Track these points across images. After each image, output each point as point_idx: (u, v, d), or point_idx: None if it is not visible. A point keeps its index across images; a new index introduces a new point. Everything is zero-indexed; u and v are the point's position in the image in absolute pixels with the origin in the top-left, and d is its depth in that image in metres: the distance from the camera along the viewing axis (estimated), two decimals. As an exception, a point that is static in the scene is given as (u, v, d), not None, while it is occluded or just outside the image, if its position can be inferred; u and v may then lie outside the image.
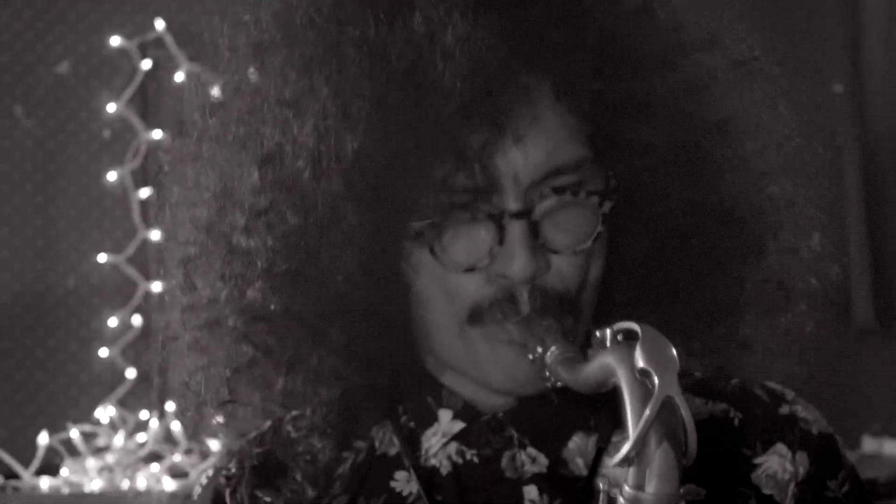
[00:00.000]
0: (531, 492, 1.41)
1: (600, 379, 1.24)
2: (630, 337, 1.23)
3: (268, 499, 1.47)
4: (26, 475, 3.63)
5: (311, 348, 1.40)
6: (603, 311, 1.39)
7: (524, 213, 1.32)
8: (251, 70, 1.39)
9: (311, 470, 1.48)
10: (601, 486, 1.25)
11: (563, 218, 1.34)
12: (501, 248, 1.31)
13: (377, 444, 1.49)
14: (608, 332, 1.24)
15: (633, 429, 1.16)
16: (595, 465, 1.41)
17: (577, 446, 1.43)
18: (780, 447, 1.42)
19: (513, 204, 1.31)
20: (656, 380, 1.15)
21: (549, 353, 1.30)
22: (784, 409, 1.45)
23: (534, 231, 1.31)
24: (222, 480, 1.51)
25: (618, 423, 1.38)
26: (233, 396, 1.43)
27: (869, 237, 4.14)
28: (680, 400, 1.16)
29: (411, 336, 1.45)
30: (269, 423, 1.52)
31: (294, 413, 1.49)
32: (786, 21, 4.13)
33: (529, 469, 1.42)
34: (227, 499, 1.50)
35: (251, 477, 1.49)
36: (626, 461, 1.17)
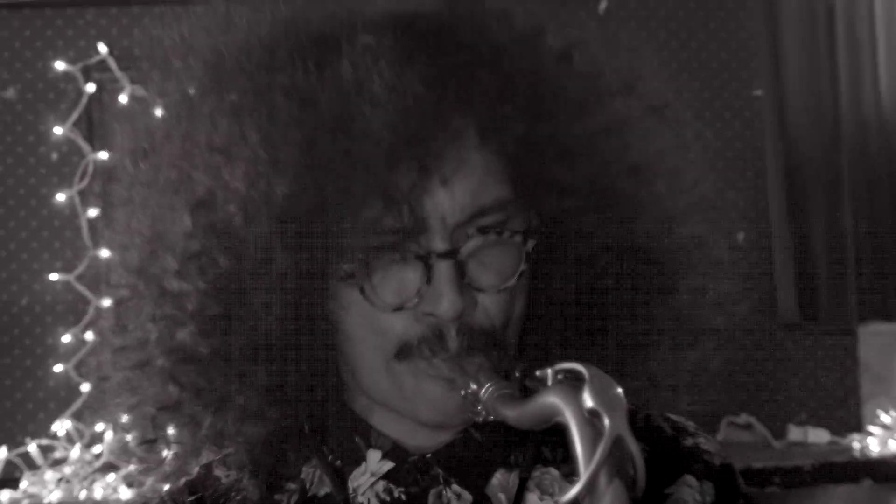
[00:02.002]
0: None
1: (543, 417, 1.25)
2: (571, 377, 1.24)
3: None
4: None
5: (238, 389, 1.40)
6: (520, 347, 1.41)
7: (451, 253, 1.33)
8: (181, 115, 1.41)
9: None
10: None
11: (488, 257, 1.36)
12: (429, 287, 1.32)
13: (308, 485, 1.50)
14: (549, 371, 1.25)
15: (583, 468, 1.17)
16: (517, 501, 1.45)
17: (500, 482, 1.45)
18: (689, 479, 1.47)
19: (440, 244, 1.33)
20: (606, 420, 1.17)
21: (483, 390, 1.31)
22: (688, 442, 1.50)
23: (460, 270, 1.33)
24: None
25: (538, 459, 1.46)
26: (157, 434, 1.44)
27: (792, 238, 4.15)
28: (630, 439, 1.17)
29: (340, 378, 1.46)
30: (197, 469, 1.53)
31: (224, 452, 1.49)
32: (707, 29, 4.26)
33: None
34: None
35: None
36: (578, 499, 1.18)
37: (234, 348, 1.36)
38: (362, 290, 1.33)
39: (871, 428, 4.02)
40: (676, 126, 1.46)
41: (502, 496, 1.43)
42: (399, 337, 1.34)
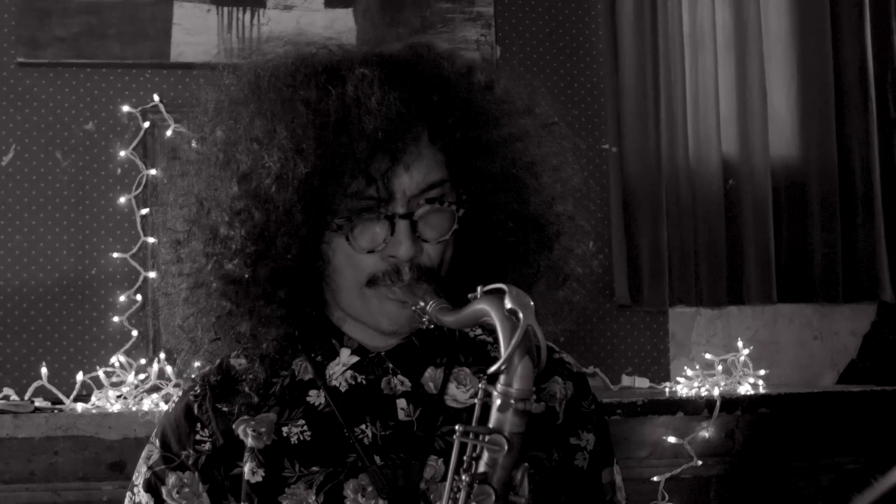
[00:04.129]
0: (401, 403, 1.61)
1: (475, 318, 1.40)
2: (494, 292, 1.37)
3: (225, 408, 1.63)
4: (67, 402, 3.87)
5: (265, 303, 1.54)
6: (449, 280, 1.57)
7: (408, 216, 1.48)
8: (229, 115, 1.55)
9: (254, 385, 1.62)
10: (479, 393, 1.39)
11: (432, 219, 1.52)
12: (392, 237, 1.48)
13: (297, 372, 1.64)
14: (479, 289, 1.39)
15: (504, 348, 1.32)
16: (443, 387, 1.62)
17: (430, 375, 1.62)
18: (557, 378, 1.68)
19: (401, 209, 1.48)
20: (521, 315, 1.30)
21: (429, 306, 1.47)
22: (556, 356, 1.71)
23: (413, 227, 1.49)
24: (191, 397, 1.66)
25: (456, 361, 1.64)
26: (217, 334, 1.60)
27: (625, 245, 4.48)
28: (537, 328, 1.31)
29: (324, 298, 1.62)
30: (219, 360, 1.67)
31: (236, 352, 1.63)
32: (570, 99, 4.58)
33: (400, 389, 1.61)
34: (196, 409, 1.65)
35: (212, 394, 1.65)
36: (499, 370, 1.35)
37: (263, 275, 1.52)
38: (347, 238, 1.49)
39: (678, 378, 4.36)
40: (559, 138, 1.65)
41: (431, 384, 1.62)
42: (370, 271, 1.52)
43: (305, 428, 1.58)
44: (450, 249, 1.54)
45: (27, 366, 4.16)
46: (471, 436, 1.37)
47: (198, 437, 1.61)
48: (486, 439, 1.35)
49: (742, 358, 4.37)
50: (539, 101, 1.62)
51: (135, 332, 4.18)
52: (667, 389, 4.35)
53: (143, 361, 4.05)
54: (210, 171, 1.54)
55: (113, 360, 4.03)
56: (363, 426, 1.57)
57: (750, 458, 4.11)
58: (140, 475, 1.69)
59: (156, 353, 4.11)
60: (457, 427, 1.38)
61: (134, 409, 3.77)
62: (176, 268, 1.59)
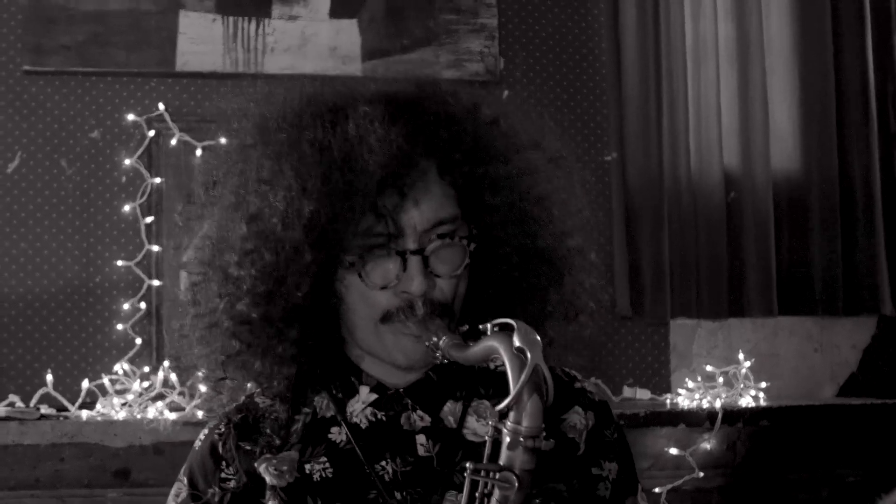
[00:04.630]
0: (421, 439, 1.59)
1: (484, 355, 1.41)
2: (504, 328, 1.37)
3: (248, 447, 1.63)
4: (72, 409, 3.90)
5: (277, 342, 1.55)
6: (463, 314, 1.57)
7: (419, 251, 1.49)
8: (238, 159, 1.57)
9: (276, 426, 1.62)
10: (489, 428, 1.39)
11: (444, 254, 1.52)
12: (405, 273, 1.49)
13: (318, 409, 1.64)
14: (488, 325, 1.40)
15: (513, 386, 1.32)
16: (461, 421, 1.60)
17: (449, 409, 1.61)
18: (578, 409, 1.65)
19: (412, 245, 1.49)
20: (529, 354, 1.31)
21: (442, 341, 1.47)
22: (577, 385, 1.69)
23: (425, 262, 1.49)
24: (215, 436, 1.67)
25: (476, 394, 1.62)
26: (226, 373, 1.61)
27: (627, 258, 4.48)
28: (544, 367, 1.31)
29: (341, 336, 1.62)
30: (243, 398, 1.68)
31: (263, 387, 1.64)
32: (574, 112, 4.58)
33: (419, 424, 1.60)
34: (220, 448, 1.66)
35: (235, 433, 1.65)
36: (508, 407, 1.35)
37: (274, 314, 1.52)
38: (360, 275, 1.50)
39: (680, 390, 4.41)
40: (567, 172, 1.64)
41: (451, 418, 1.60)
42: (383, 307, 1.52)
43: (327, 465, 1.59)
44: (463, 284, 1.55)
45: (31, 373, 4.17)
46: (482, 473, 1.38)
47: (223, 475, 1.63)
48: (497, 476, 1.36)
49: (743, 370, 4.40)
50: (546, 134, 1.63)
51: (139, 340, 4.19)
52: (668, 401, 4.39)
53: (146, 369, 4.09)
54: (222, 214, 1.55)
55: (117, 367, 4.06)
56: (384, 462, 1.58)
57: (751, 469, 4.11)
58: None
59: (159, 361, 4.14)
60: (468, 465, 1.38)
61: (139, 416, 3.80)
62: (193, 309, 1.60)
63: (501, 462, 1.36)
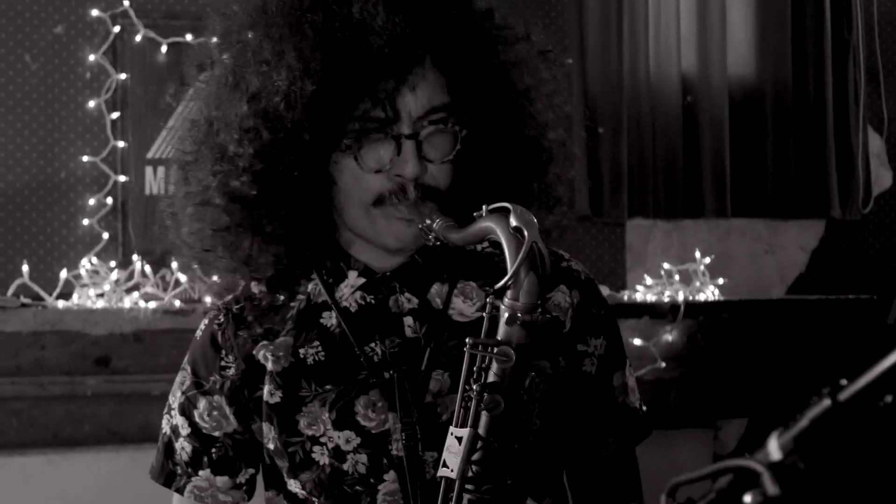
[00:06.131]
0: (408, 320, 1.61)
1: (481, 236, 1.41)
2: (499, 211, 1.37)
3: (245, 335, 1.66)
4: (49, 299, 3.93)
5: (269, 220, 1.54)
6: (452, 200, 1.55)
7: (414, 136, 1.48)
8: (237, 40, 1.55)
9: (271, 313, 1.65)
10: (487, 307, 1.40)
11: (436, 140, 1.52)
12: (398, 157, 1.48)
13: (311, 295, 1.66)
14: (484, 208, 1.39)
15: (510, 263, 1.33)
16: (448, 302, 1.61)
17: (436, 291, 1.62)
18: (563, 287, 1.66)
19: (407, 129, 1.48)
20: (526, 233, 1.31)
21: (436, 224, 1.48)
22: (564, 264, 1.69)
23: (419, 147, 1.48)
24: (215, 326, 1.69)
25: (461, 275, 1.63)
26: (214, 250, 1.59)
27: (587, 161, 4.48)
28: (541, 245, 1.32)
29: (332, 220, 1.60)
30: (241, 288, 1.68)
31: (258, 276, 1.64)
32: (535, 14, 4.56)
33: (407, 306, 1.61)
34: (219, 337, 1.68)
35: (233, 322, 1.67)
36: (506, 285, 1.35)
37: (270, 193, 1.52)
38: (355, 158, 1.50)
39: (638, 287, 4.56)
40: (552, 65, 1.64)
41: (437, 300, 1.61)
42: (376, 190, 1.52)
43: (320, 349, 1.61)
44: (452, 169, 1.56)
45: (-1, 265, 4.16)
46: (480, 347, 1.40)
47: (223, 363, 1.66)
48: (496, 351, 1.38)
49: (701, 268, 4.52)
50: (534, 28, 1.62)
51: (105, 235, 4.24)
52: (625, 296, 4.52)
53: (112, 264, 4.14)
54: (219, 94, 1.55)
55: (84, 261, 4.11)
56: (373, 344, 1.60)
57: (709, 361, 4.28)
58: (175, 399, 1.74)
59: (126, 257, 4.19)
60: (467, 339, 1.40)
61: (117, 306, 3.87)
62: (184, 188, 1.60)
63: (499, 337, 1.38)
